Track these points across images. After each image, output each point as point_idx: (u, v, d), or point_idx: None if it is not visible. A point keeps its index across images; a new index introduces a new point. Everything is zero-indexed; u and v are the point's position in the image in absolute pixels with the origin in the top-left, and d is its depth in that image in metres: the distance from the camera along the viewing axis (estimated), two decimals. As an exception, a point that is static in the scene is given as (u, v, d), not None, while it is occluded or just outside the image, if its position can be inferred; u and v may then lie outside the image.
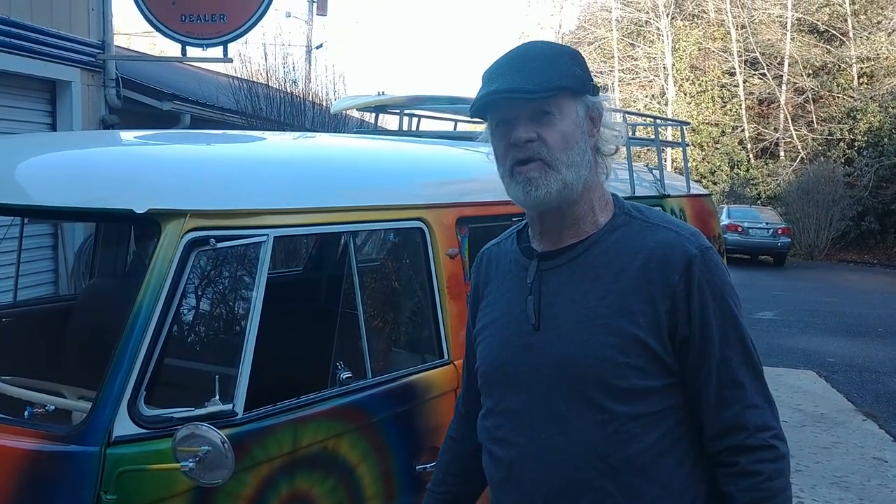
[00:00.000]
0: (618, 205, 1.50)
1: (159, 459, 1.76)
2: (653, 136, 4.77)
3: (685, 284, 1.38)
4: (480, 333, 1.56)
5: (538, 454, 1.41)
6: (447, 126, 4.92)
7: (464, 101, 4.55)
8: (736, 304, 1.43)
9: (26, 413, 2.06)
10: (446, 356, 2.55)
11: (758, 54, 28.36)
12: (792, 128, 27.50)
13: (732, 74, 29.36)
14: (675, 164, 22.28)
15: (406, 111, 4.26)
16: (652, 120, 4.92)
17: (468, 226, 2.79)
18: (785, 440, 1.42)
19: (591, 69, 1.51)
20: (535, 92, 1.38)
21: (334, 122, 9.17)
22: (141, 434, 1.81)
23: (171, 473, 1.74)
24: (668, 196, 4.24)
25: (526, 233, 1.56)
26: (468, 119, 4.95)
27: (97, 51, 7.56)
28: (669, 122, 7.09)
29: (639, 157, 19.19)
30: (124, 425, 1.80)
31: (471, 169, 3.28)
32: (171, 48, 7.90)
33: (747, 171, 27.91)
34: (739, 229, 19.52)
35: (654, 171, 4.41)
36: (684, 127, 5.20)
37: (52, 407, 2.08)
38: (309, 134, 5.40)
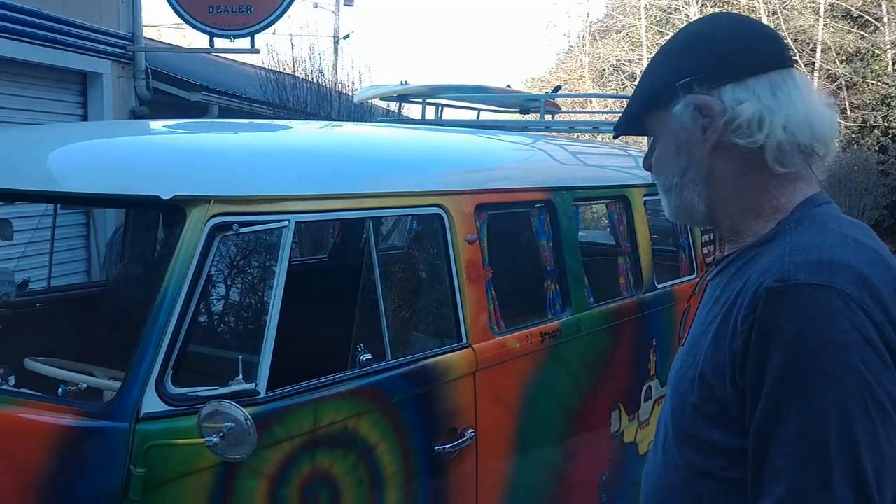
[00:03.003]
0: (793, 211, 1.19)
1: (185, 435, 1.83)
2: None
3: (748, 325, 1.07)
4: None
5: (643, 488, 1.31)
6: (471, 115, 4.96)
7: (487, 90, 4.59)
8: (823, 374, 1.00)
9: (60, 391, 2.15)
10: (465, 340, 2.60)
11: (789, 41, 27.93)
12: (824, 115, 27.07)
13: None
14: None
15: (428, 100, 4.31)
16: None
17: (487, 212, 2.83)
18: None
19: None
20: (617, 129, 1.36)
21: (360, 112, 9.23)
22: (168, 411, 1.89)
23: (196, 449, 1.81)
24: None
25: None
26: (491, 108, 4.99)
27: (127, 43, 7.68)
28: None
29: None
30: (152, 402, 1.87)
31: (490, 156, 3.32)
32: (199, 39, 8.03)
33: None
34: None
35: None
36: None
37: (85, 385, 2.16)
38: (334, 123, 5.47)
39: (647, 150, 1.34)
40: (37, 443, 1.86)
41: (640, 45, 31.49)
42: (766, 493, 1.04)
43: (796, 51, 27.63)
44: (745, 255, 1.19)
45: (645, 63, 31.26)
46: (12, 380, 2.15)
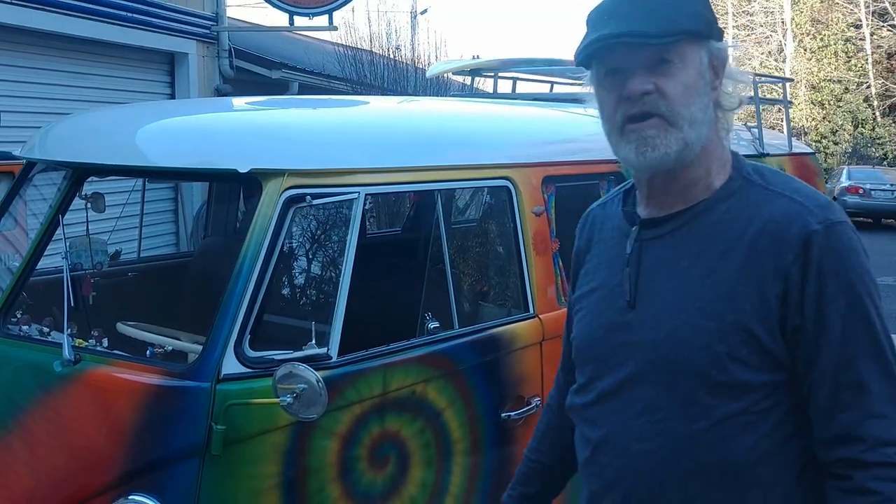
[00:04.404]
0: (736, 166, 1.31)
1: (261, 395, 1.94)
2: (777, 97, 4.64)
3: (800, 266, 1.19)
4: (577, 304, 1.45)
5: (623, 441, 1.30)
6: (544, 88, 4.95)
7: (559, 63, 4.57)
8: (870, 293, 1.21)
9: (148, 353, 2.29)
10: (531, 310, 2.64)
11: (887, 4, 26.56)
12: (924, 83, 25.71)
13: (858, 27, 27.61)
14: (797, 123, 21.28)
15: (500, 74, 4.33)
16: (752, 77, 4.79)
17: (555, 184, 2.85)
18: None
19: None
20: (657, 36, 1.21)
21: (436, 87, 9.28)
22: (246, 373, 2.00)
23: (272, 408, 1.91)
24: (767, 155, 4.14)
25: (633, 194, 1.40)
26: (563, 80, 4.97)
27: (211, 23, 7.93)
28: (770, 80, 6.83)
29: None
30: (231, 364, 1.99)
31: (559, 129, 3.33)
32: (280, 18, 8.22)
33: (873, 129, 26.35)
34: (861, 191, 18.54)
35: (752, 129, 4.32)
36: (787, 84, 5.06)
37: (170, 348, 2.31)
38: (408, 98, 5.54)
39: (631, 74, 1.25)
40: (128, 399, 2.01)
41: (726, 13, 30.45)
42: (849, 405, 1.19)
43: (894, 15, 26.21)
44: (715, 209, 1.27)
45: (730, 31, 30.21)
46: (106, 342, 2.31)
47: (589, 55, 1.28)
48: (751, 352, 1.21)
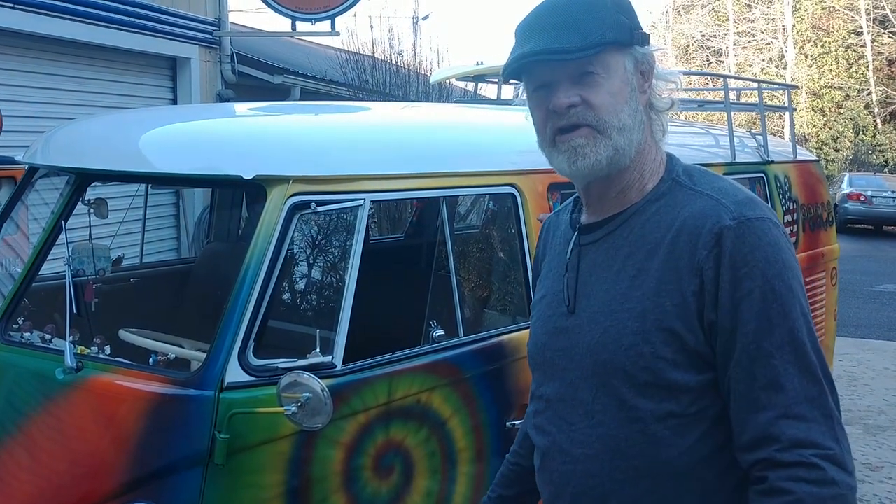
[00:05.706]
0: (668, 168, 1.33)
1: (266, 404, 1.92)
2: (783, 103, 4.63)
3: (713, 262, 1.19)
4: (532, 311, 1.48)
5: (567, 447, 1.31)
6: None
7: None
8: (790, 288, 1.18)
9: (151, 360, 2.27)
10: (537, 318, 2.62)
11: (888, 12, 26.60)
12: (925, 90, 25.73)
13: (859, 34, 27.65)
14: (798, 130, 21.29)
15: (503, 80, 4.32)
16: (756, 84, 4.79)
17: (560, 192, 2.83)
18: (843, 466, 1.14)
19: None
20: (574, 51, 1.22)
21: (438, 93, 9.27)
22: (250, 381, 1.98)
23: (276, 417, 1.89)
24: (772, 162, 4.13)
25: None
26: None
27: (214, 28, 7.92)
28: (773, 87, 6.83)
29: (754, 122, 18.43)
30: (235, 373, 1.97)
31: (565, 136, 3.31)
32: (282, 23, 8.20)
33: (874, 136, 26.36)
34: (862, 198, 18.53)
35: (756, 136, 4.31)
36: (790, 90, 5.05)
37: (173, 355, 2.29)
38: (411, 104, 5.53)
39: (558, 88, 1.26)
40: (130, 407, 1.99)
41: (727, 20, 30.47)
42: (764, 405, 1.17)
43: (895, 21, 26.22)
44: (644, 212, 1.28)
45: (731, 38, 30.25)
46: (108, 349, 2.29)
47: (514, 72, 1.30)
48: (674, 350, 1.20)
